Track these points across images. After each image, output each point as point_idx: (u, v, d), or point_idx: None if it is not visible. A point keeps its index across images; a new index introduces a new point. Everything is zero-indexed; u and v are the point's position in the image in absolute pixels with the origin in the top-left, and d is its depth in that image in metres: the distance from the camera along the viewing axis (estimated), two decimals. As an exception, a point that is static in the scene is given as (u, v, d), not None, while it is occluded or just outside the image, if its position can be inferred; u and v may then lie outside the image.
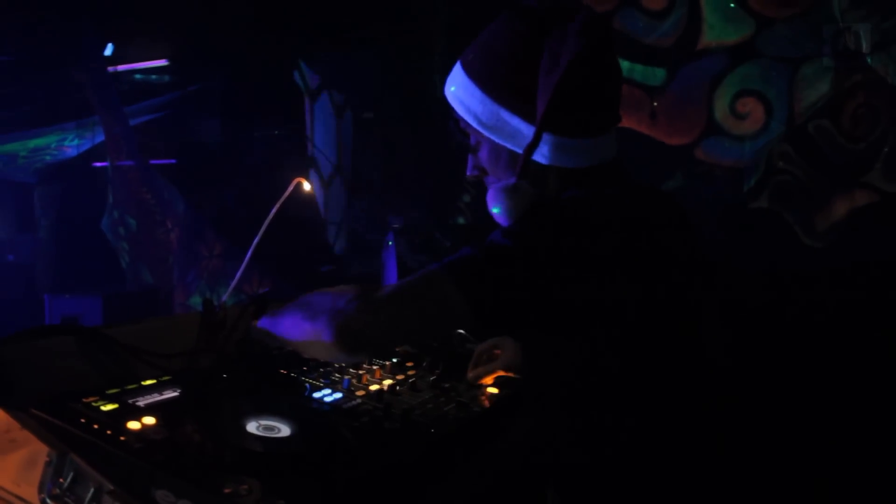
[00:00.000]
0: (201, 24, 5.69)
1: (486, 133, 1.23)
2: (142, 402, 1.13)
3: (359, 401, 1.29)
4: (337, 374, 1.40)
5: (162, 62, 6.66)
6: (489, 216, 1.31)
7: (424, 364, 1.53)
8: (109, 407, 1.09)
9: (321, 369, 1.43)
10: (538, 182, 1.21)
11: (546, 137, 1.18)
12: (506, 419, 1.40)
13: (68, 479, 0.97)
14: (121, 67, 6.44)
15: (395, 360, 1.54)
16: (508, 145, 1.22)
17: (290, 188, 1.45)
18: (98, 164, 6.46)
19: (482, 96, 1.22)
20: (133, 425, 1.02)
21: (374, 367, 1.46)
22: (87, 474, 0.96)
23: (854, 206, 3.65)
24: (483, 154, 1.27)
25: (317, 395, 1.29)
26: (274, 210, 1.45)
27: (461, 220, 4.88)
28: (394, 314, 1.08)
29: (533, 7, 1.22)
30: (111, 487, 0.94)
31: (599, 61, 1.20)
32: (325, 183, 6.95)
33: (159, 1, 5.43)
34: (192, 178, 6.01)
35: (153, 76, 6.86)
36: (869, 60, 3.45)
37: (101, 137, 6.05)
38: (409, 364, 1.53)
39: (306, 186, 1.49)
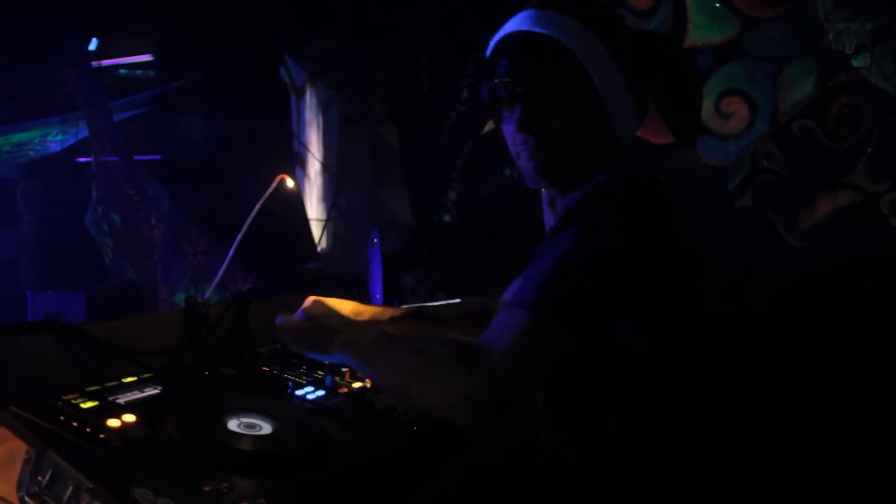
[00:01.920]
0: (187, 18, 5.67)
1: (598, 81, 1.20)
2: (122, 400, 1.12)
3: (341, 399, 1.28)
4: (320, 372, 1.40)
5: (147, 57, 6.63)
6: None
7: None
8: (89, 404, 1.08)
9: (304, 367, 1.43)
10: (600, 143, 1.24)
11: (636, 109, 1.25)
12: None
13: (47, 477, 0.97)
14: (105, 62, 6.41)
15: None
16: (610, 99, 1.21)
17: (273, 185, 1.44)
18: (82, 160, 6.42)
19: (603, 51, 1.20)
20: (113, 423, 1.02)
21: (358, 365, 1.46)
22: (66, 472, 0.96)
23: (837, 206, 3.68)
24: (558, 107, 1.20)
25: (299, 392, 1.29)
26: (257, 207, 1.44)
27: (447, 218, 4.89)
28: (515, 388, 1.04)
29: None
30: (90, 485, 0.93)
31: None
32: (310, 179, 6.94)
33: (144, -5, 5.42)
34: (176, 175, 5.98)
35: (138, 71, 6.83)
36: (854, 62, 3.48)
37: (85, 133, 6.01)
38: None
39: (289, 183, 1.48)
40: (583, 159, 1.22)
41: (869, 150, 3.59)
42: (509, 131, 1.26)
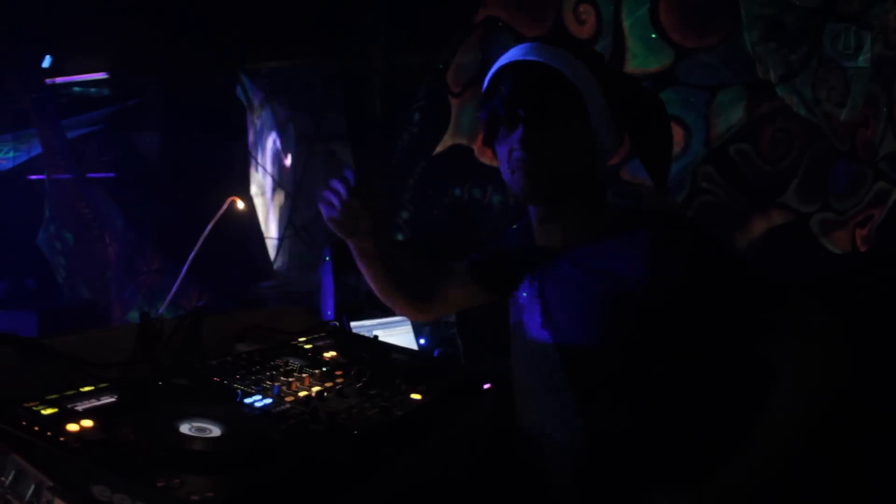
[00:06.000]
0: (142, 36, 5.69)
1: (591, 112, 1.38)
2: (80, 407, 1.20)
3: (287, 406, 1.37)
4: (268, 382, 1.49)
5: (101, 75, 6.63)
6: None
7: (352, 372, 1.62)
8: (49, 411, 1.16)
9: (253, 378, 1.52)
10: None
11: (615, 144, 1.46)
12: (429, 423, 1.49)
13: (10, 478, 1.04)
14: (59, 79, 6.40)
15: (324, 368, 1.64)
16: (598, 130, 1.39)
17: (224, 207, 1.53)
18: (34, 177, 6.39)
19: (597, 88, 1.38)
20: (72, 427, 1.09)
21: (304, 375, 1.56)
22: (28, 472, 1.03)
23: (771, 225, 3.85)
24: (555, 131, 1.37)
25: (248, 400, 1.37)
26: (208, 228, 1.53)
27: (400, 236, 4.99)
28: None
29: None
30: (51, 484, 1.01)
31: None
32: (266, 197, 6.99)
33: (99, 13, 5.43)
34: (130, 193, 5.98)
35: (92, 89, 6.82)
36: (778, 90, 3.66)
37: (37, 150, 5.99)
38: (338, 373, 1.62)
39: (240, 205, 1.57)
40: (570, 181, 1.40)
41: (800, 172, 3.76)
42: (504, 151, 1.42)
